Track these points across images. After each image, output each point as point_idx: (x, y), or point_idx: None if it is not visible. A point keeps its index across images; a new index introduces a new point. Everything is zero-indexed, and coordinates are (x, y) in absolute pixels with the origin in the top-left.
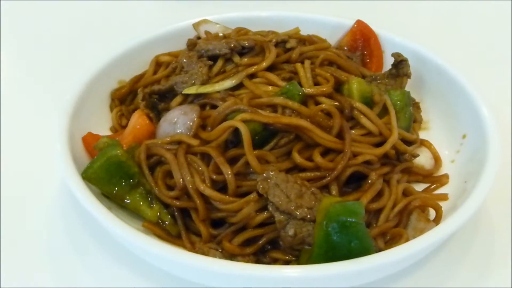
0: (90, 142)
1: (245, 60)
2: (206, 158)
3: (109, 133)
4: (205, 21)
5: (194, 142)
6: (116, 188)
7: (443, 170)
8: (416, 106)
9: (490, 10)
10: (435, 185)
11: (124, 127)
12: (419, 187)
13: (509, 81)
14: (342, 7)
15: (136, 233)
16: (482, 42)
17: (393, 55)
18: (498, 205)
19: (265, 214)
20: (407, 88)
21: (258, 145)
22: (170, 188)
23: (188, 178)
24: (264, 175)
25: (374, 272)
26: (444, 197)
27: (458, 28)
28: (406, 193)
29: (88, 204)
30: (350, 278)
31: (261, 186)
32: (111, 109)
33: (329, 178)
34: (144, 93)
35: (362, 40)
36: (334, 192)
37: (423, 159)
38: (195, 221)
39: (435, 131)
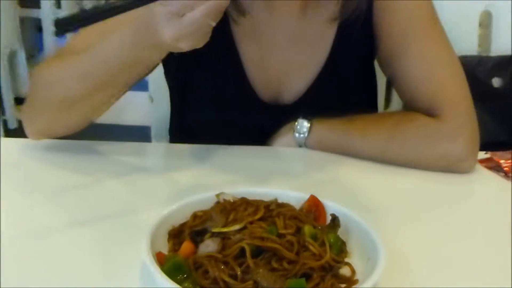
0: (160, 257)
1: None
2: (225, 263)
3: None
4: (222, 193)
5: (219, 255)
6: (177, 278)
7: (355, 277)
8: (344, 244)
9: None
10: (349, 285)
11: (176, 251)
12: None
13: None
14: (307, 186)
15: None
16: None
17: (330, 215)
18: None
19: None
20: (338, 233)
21: (253, 257)
22: (206, 279)
23: (216, 273)
24: (257, 271)
25: None
26: None
27: (383, 199)
28: (332, 286)
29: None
30: None
31: (255, 276)
32: (168, 241)
33: (290, 275)
34: (188, 232)
35: (314, 206)
36: None
37: (345, 271)
38: None
39: (353, 257)
